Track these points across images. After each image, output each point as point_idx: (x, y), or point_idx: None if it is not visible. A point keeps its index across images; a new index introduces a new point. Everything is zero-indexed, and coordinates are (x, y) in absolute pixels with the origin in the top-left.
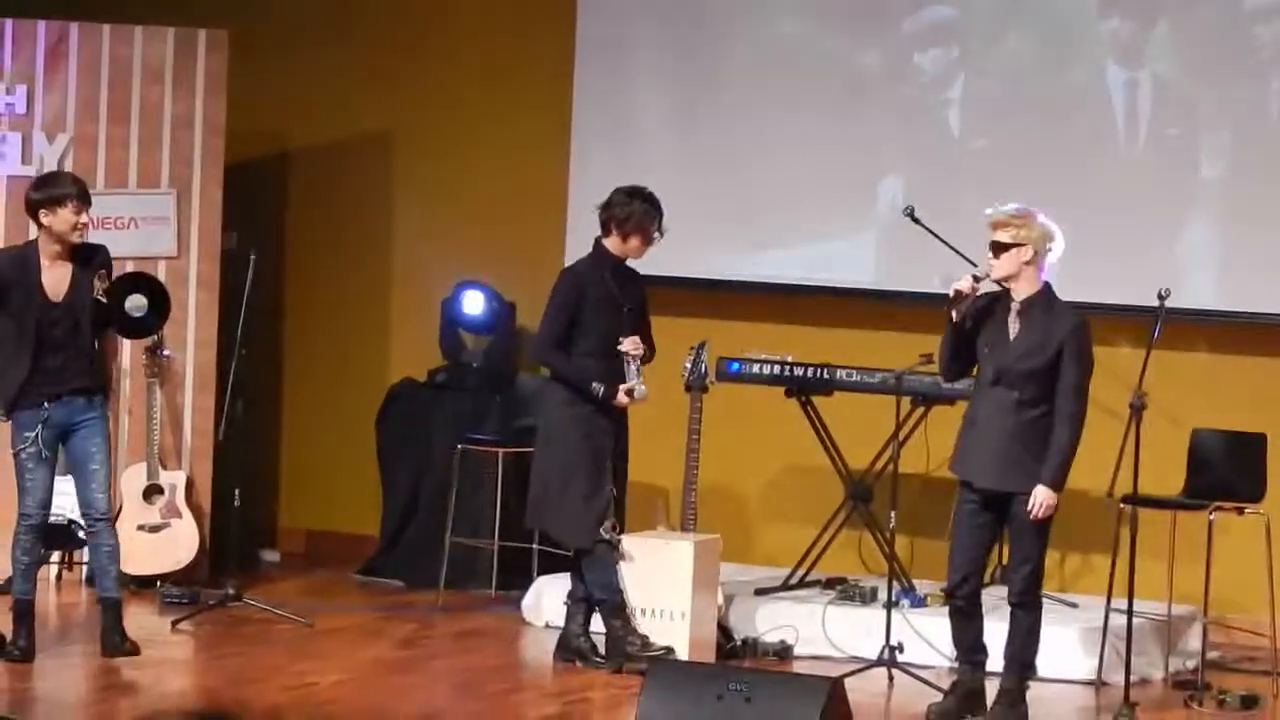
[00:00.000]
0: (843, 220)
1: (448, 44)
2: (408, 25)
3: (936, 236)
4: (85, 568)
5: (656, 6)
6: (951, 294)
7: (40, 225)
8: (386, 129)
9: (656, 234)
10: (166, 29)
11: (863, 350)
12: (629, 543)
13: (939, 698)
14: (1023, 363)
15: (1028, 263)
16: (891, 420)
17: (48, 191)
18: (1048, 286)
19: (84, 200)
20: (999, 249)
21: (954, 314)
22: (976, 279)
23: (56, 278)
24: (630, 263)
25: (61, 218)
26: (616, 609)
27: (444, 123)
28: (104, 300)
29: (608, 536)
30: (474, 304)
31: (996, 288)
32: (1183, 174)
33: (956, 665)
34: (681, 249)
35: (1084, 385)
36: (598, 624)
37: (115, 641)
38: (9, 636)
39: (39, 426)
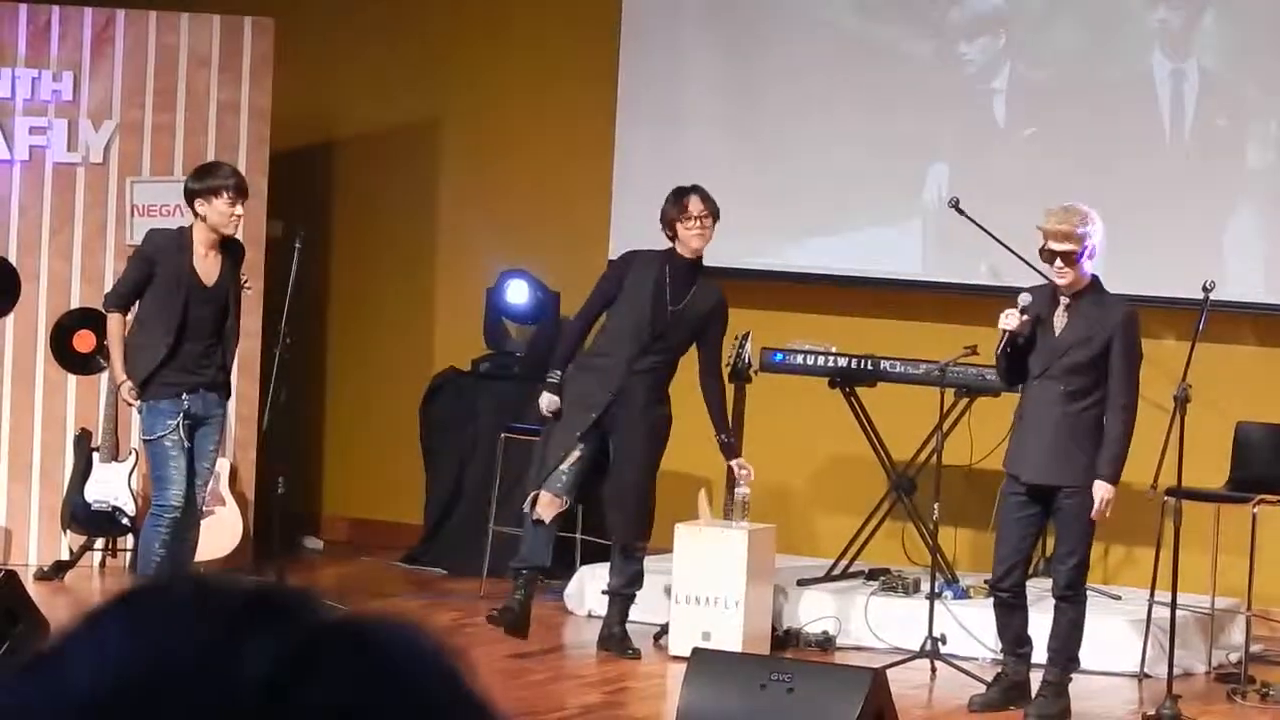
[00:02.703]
0: (888, 210)
1: (494, 33)
2: (455, 14)
3: (981, 228)
4: (130, 554)
5: None
6: (1003, 334)
7: (195, 214)
8: (432, 117)
9: (698, 219)
10: (212, 16)
11: (907, 341)
12: (681, 531)
13: (981, 689)
14: (1070, 356)
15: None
16: (935, 411)
17: (205, 182)
18: (1096, 279)
19: (239, 193)
20: (1069, 259)
21: (1010, 348)
22: (1024, 311)
23: (209, 265)
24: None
25: (216, 208)
26: (514, 572)
27: (490, 112)
28: (250, 292)
29: (526, 509)
30: (518, 293)
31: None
32: (1229, 165)
33: (1000, 657)
34: (726, 238)
35: (1135, 377)
36: (633, 613)
37: None
38: None
39: (180, 416)
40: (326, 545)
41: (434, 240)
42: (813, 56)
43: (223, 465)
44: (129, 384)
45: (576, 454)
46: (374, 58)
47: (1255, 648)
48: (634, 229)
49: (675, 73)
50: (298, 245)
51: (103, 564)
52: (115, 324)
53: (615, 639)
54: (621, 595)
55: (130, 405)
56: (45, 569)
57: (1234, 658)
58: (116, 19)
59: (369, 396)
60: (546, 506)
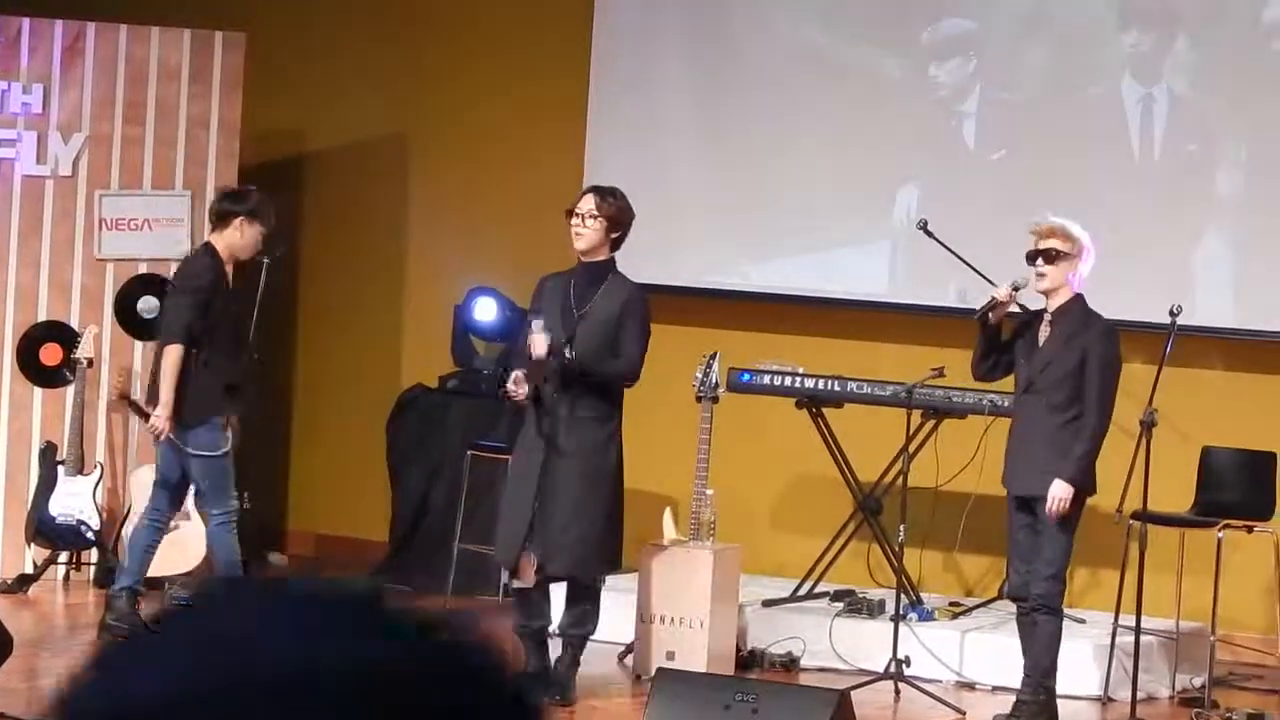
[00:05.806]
0: (857, 230)
1: (464, 49)
2: (424, 30)
3: (950, 250)
4: (93, 568)
5: (673, 13)
6: (988, 300)
7: (226, 229)
8: (401, 133)
9: (580, 217)
10: (183, 30)
11: (874, 362)
12: (646, 551)
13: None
14: (1050, 369)
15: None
16: (902, 433)
17: (248, 205)
18: (1081, 299)
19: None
20: (1052, 257)
21: (989, 317)
22: (1015, 288)
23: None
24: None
25: (254, 231)
26: (518, 635)
27: (459, 128)
28: None
29: (506, 580)
30: (486, 310)
31: (1035, 298)
32: (1199, 189)
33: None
34: (695, 257)
35: (1109, 389)
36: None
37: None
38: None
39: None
40: (291, 561)
41: (403, 256)
42: (784, 76)
43: None
44: (169, 421)
45: (536, 505)
46: (344, 74)
47: (1219, 672)
48: None
49: (647, 93)
50: (266, 261)
51: (66, 577)
52: (178, 354)
53: (555, 683)
54: (567, 636)
55: (158, 439)
56: (9, 582)
57: (1198, 682)
58: (87, 32)
59: (336, 412)
60: (526, 569)
